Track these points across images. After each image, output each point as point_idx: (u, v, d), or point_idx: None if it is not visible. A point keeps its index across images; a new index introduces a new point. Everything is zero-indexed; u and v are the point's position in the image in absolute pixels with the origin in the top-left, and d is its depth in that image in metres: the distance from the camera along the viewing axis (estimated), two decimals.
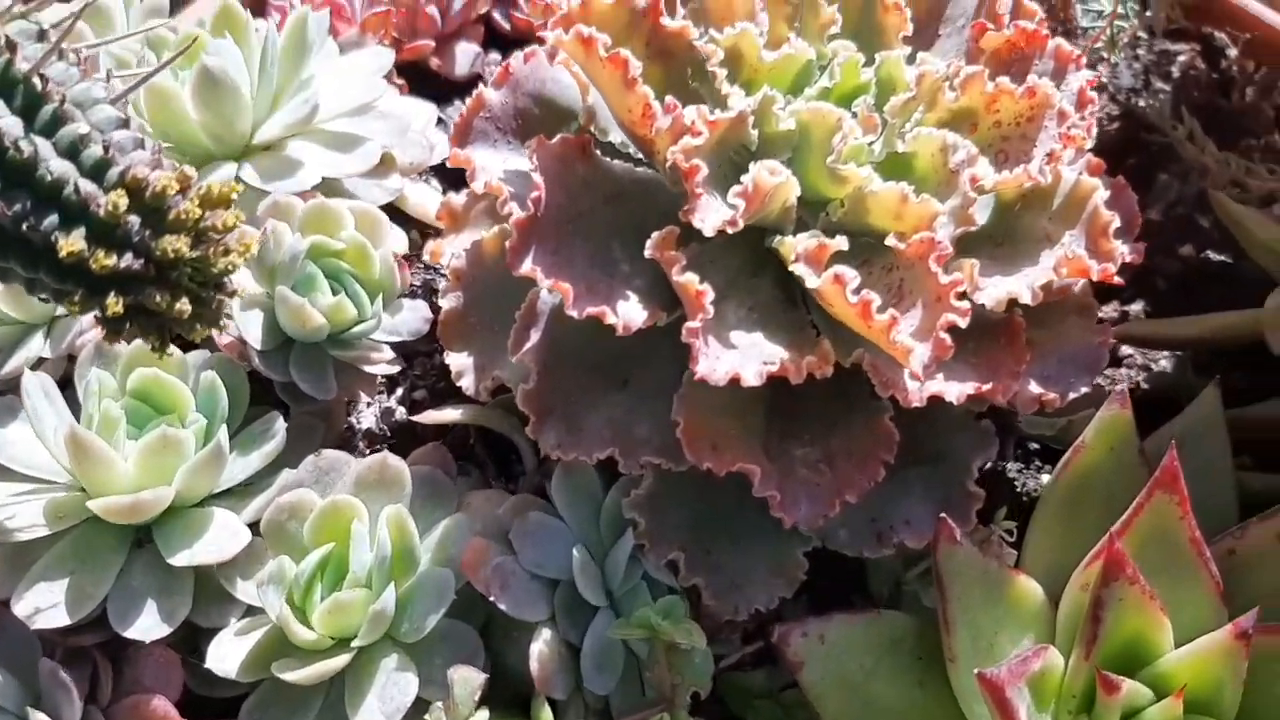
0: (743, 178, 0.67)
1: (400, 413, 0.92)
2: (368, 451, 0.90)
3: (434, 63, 1.19)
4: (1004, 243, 0.78)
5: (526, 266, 0.68)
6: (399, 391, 0.93)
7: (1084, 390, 0.78)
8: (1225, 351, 0.97)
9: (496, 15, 1.24)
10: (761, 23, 0.76)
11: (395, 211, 0.99)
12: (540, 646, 0.70)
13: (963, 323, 0.67)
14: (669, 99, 0.70)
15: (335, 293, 0.80)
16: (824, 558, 0.79)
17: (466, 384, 0.83)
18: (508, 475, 0.88)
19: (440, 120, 1.09)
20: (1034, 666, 0.69)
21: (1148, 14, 1.33)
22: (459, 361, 0.84)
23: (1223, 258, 1.19)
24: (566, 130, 0.78)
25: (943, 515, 0.71)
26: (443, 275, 0.92)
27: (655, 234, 0.68)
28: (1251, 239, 0.97)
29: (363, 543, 0.70)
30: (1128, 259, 0.80)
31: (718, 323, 0.70)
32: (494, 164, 0.78)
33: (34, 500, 0.73)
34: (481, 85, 0.80)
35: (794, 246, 0.69)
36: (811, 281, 0.66)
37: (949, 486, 0.78)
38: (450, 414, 0.85)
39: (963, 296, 0.67)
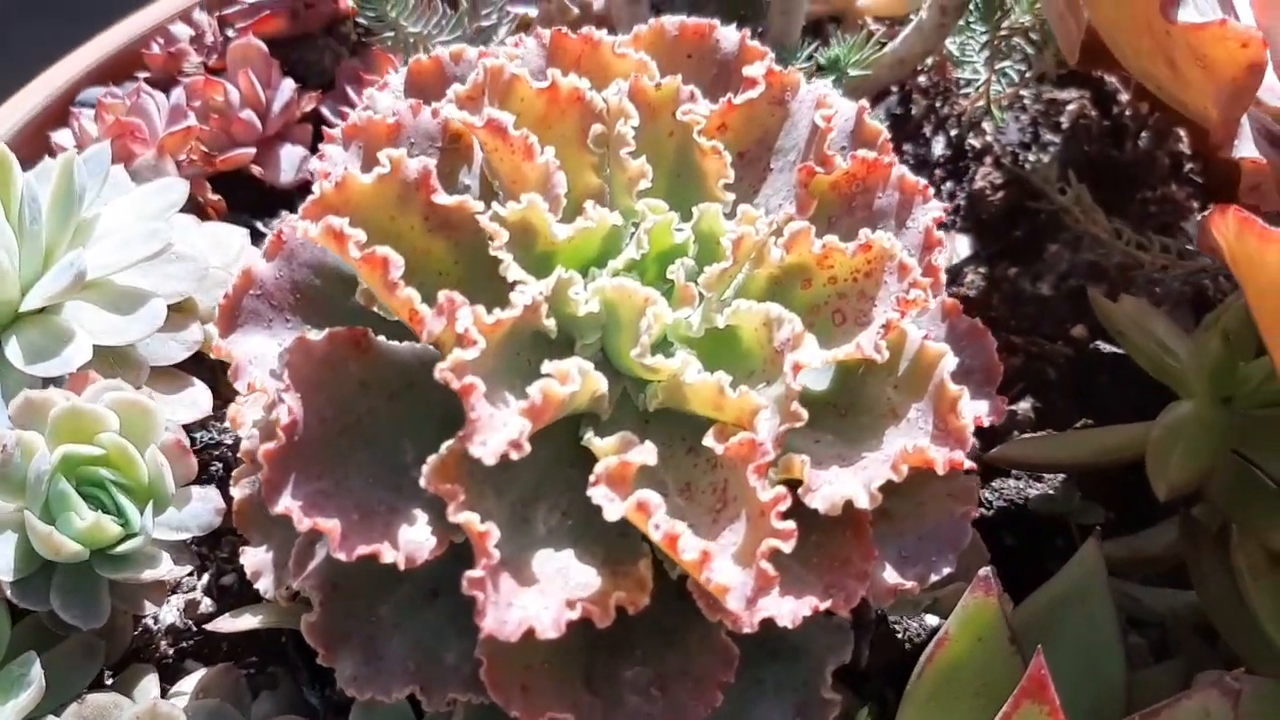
0: (529, 389, 0.58)
1: (206, 604, 0.82)
2: (171, 653, 0.81)
3: (256, 170, 1.08)
4: (847, 413, 0.70)
5: (283, 505, 0.59)
6: (205, 579, 0.83)
7: (946, 570, 0.70)
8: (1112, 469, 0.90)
9: (325, 111, 1.14)
10: (557, 184, 0.67)
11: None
12: None
13: (786, 547, 0.59)
14: (444, 296, 0.61)
15: (94, 508, 0.70)
16: None
17: (264, 586, 0.73)
18: (324, 680, 0.78)
19: (261, 236, 0.99)
20: None
21: (1032, 62, 1.26)
22: (256, 559, 0.74)
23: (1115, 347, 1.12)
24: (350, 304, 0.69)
25: None
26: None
27: (433, 459, 0.59)
28: (1135, 348, 0.90)
29: None
30: (986, 422, 0.72)
31: (516, 548, 0.61)
32: (267, 351, 0.68)
33: None
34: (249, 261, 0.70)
35: (600, 455, 0.60)
36: (612, 512, 0.58)
37: (804, 691, 0.69)
38: (248, 621, 0.75)
39: (786, 515, 0.59)
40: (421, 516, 0.62)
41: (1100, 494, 0.96)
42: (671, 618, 0.67)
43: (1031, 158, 1.31)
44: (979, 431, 1.02)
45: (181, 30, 1.21)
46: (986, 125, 1.32)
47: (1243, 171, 0.75)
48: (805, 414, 0.62)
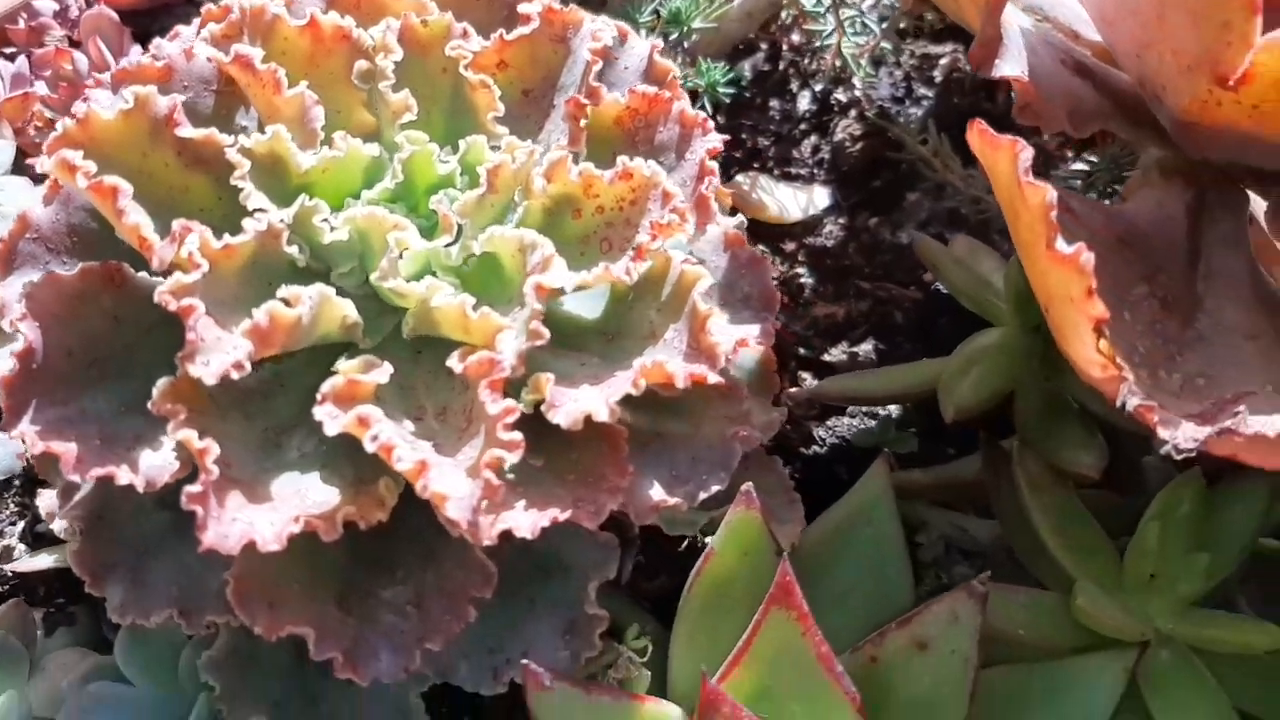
0: (254, 311, 0.60)
1: (20, 550, 0.83)
2: None
3: None
4: (614, 338, 0.72)
5: (19, 429, 0.60)
6: (20, 526, 0.84)
7: (716, 489, 0.71)
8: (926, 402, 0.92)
9: None
10: (314, 118, 0.68)
11: None
12: None
13: (512, 458, 0.60)
14: (178, 224, 0.62)
15: None
16: None
17: (58, 526, 0.75)
18: None
19: None
20: None
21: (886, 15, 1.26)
22: (49, 500, 0.75)
23: None
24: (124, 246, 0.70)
25: (526, 663, 0.64)
26: None
27: (162, 381, 0.60)
28: (949, 281, 0.92)
29: None
30: (753, 344, 0.73)
31: (258, 470, 0.63)
32: None
33: None
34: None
35: (328, 384, 0.61)
36: (331, 428, 0.59)
37: (573, 609, 0.71)
38: (43, 560, 0.77)
39: (513, 427, 0.60)
40: (168, 443, 0.63)
41: (925, 427, 0.97)
42: (433, 540, 0.69)
43: (903, 113, 1.32)
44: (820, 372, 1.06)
45: (46, 4, 1.22)
46: (857, 81, 1.32)
47: (1014, 91, 0.77)
48: (546, 333, 0.63)
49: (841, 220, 1.20)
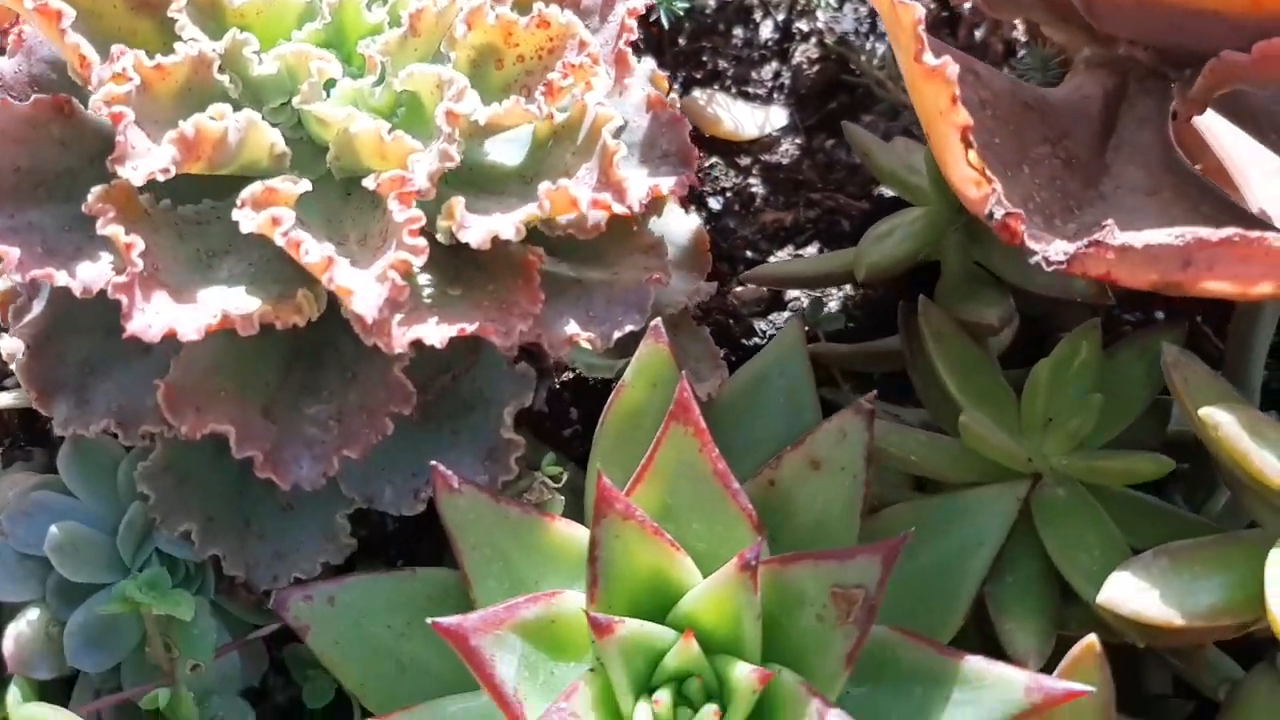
0: (181, 123, 0.64)
1: None
2: None
3: None
4: (532, 180, 0.76)
5: None
6: None
7: (630, 329, 0.75)
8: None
9: None
10: None
11: None
12: (21, 627, 0.67)
13: (417, 261, 0.64)
14: (115, 47, 0.67)
15: None
16: None
17: (16, 367, 0.80)
18: None
19: None
20: (525, 613, 0.66)
21: None
22: (8, 341, 0.80)
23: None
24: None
25: (434, 464, 0.68)
26: None
27: (98, 188, 0.65)
28: (878, 167, 0.95)
29: None
30: (666, 190, 0.76)
31: (186, 281, 0.67)
32: None
33: None
34: None
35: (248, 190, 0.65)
36: (246, 225, 0.63)
37: (492, 438, 0.75)
38: (3, 399, 0.81)
39: (421, 233, 0.64)
40: (105, 257, 0.68)
41: (865, 322, 1.01)
42: (357, 364, 0.73)
43: (863, 45, 1.35)
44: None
45: None
46: (821, 14, 1.36)
47: None
48: (457, 155, 0.68)
49: (798, 140, 1.24)
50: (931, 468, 0.74)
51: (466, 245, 0.68)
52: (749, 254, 1.12)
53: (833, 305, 1.05)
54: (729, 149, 1.21)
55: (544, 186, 0.69)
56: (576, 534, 0.72)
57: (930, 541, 0.73)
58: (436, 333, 0.66)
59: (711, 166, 1.19)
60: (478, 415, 0.75)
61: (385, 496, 0.75)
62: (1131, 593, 0.62)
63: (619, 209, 0.70)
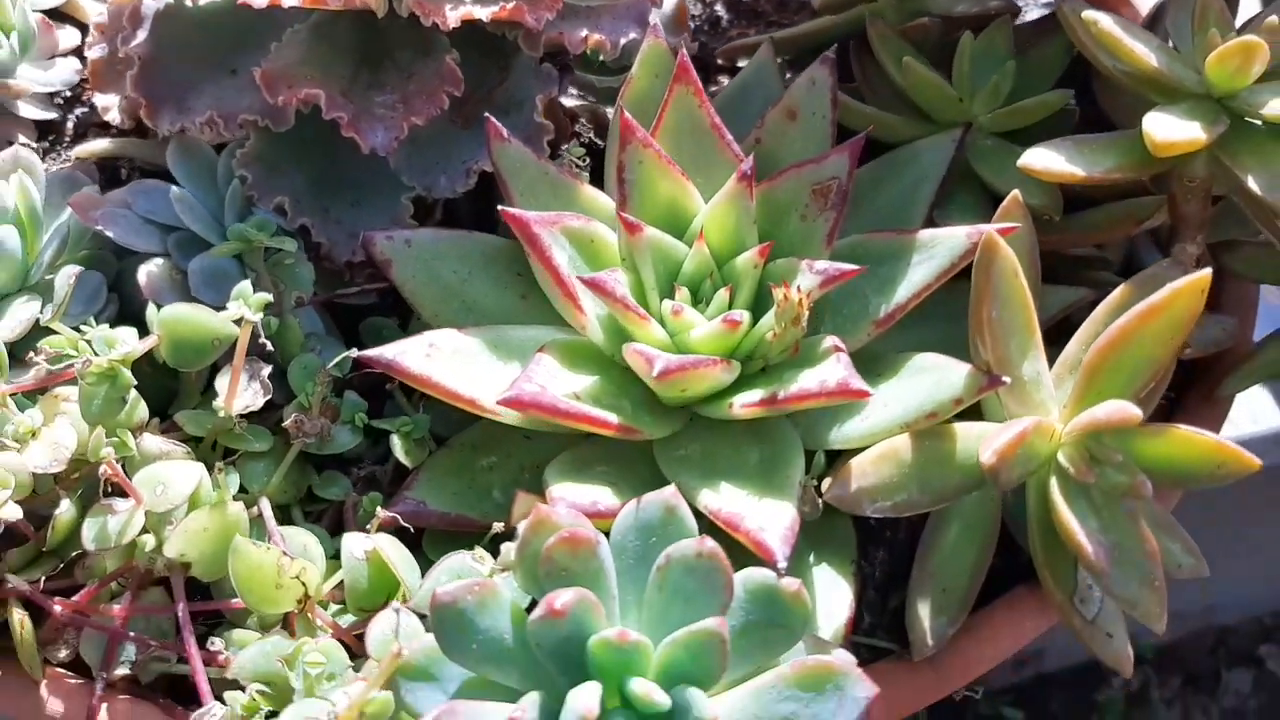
0: None
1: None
2: None
3: None
4: None
5: None
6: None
7: (633, 36, 0.92)
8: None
9: None
10: None
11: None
12: (150, 268, 0.81)
13: None
14: None
15: None
16: None
17: (111, 117, 0.95)
18: None
19: None
20: (571, 223, 0.81)
21: None
22: (105, 100, 0.96)
23: None
24: None
25: (487, 116, 0.83)
26: None
27: None
28: None
29: None
30: None
31: None
32: None
33: None
34: None
35: None
36: None
37: (526, 127, 0.90)
38: (99, 144, 0.96)
39: None
40: None
41: None
42: (413, 61, 0.89)
43: None
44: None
45: None
46: None
47: None
48: None
49: None
50: (883, 127, 0.91)
51: None
52: (720, 62, 1.29)
53: None
54: None
55: None
56: (602, 197, 0.88)
57: (887, 183, 0.90)
58: (483, 11, 0.82)
59: None
60: (513, 116, 0.91)
61: (440, 184, 0.90)
62: (1046, 158, 0.79)
63: None
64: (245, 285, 0.75)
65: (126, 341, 0.72)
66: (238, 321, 0.75)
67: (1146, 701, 1.89)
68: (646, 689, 0.60)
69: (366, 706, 0.58)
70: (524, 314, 0.86)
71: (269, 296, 0.75)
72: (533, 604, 0.64)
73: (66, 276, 0.76)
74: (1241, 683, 1.89)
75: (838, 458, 0.78)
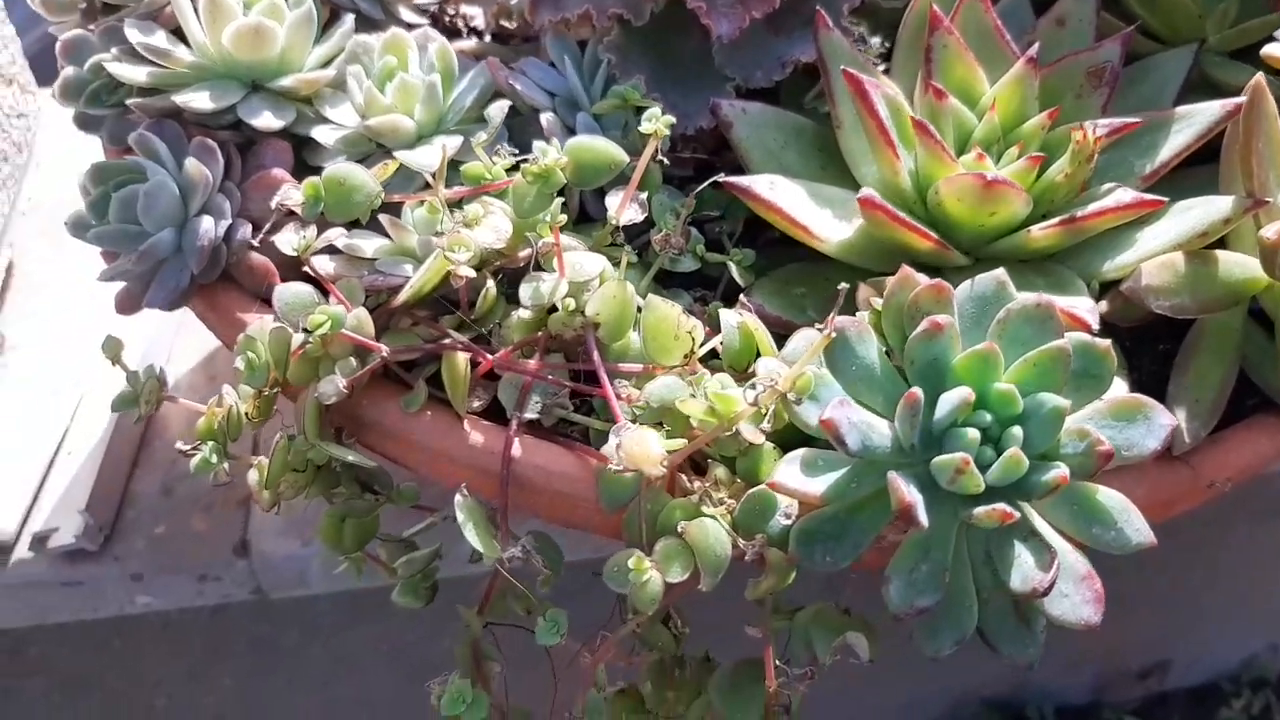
0: None
1: None
2: None
3: None
4: None
5: None
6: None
7: None
8: None
9: None
10: None
11: None
12: (547, 116, 1.01)
13: None
14: None
15: None
16: None
17: (477, 24, 1.16)
18: None
19: None
20: (886, 90, 0.99)
21: None
22: (471, 10, 1.17)
23: None
24: None
25: (818, 8, 1.02)
26: None
27: None
28: None
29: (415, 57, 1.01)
30: None
31: None
32: None
33: None
34: None
35: None
36: None
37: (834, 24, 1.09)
38: (468, 43, 1.17)
39: None
40: None
41: None
42: None
43: None
44: None
45: None
46: None
47: None
48: None
49: None
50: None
51: None
52: None
53: None
54: None
55: None
56: (895, 88, 1.06)
57: (1138, 84, 1.07)
58: None
59: None
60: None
61: (757, 76, 1.09)
62: None
63: None
64: (655, 109, 0.93)
65: (555, 151, 0.91)
66: (640, 143, 0.94)
67: None
68: (1008, 389, 0.76)
69: (799, 379, 0.74)
70: (825, 181, 1.04)
71: (673, 119, 0.94)
72: (887, 353, 0.81)
73: (500, 109, 0.96)
74: None
75: (1110, 289, 0.94)
